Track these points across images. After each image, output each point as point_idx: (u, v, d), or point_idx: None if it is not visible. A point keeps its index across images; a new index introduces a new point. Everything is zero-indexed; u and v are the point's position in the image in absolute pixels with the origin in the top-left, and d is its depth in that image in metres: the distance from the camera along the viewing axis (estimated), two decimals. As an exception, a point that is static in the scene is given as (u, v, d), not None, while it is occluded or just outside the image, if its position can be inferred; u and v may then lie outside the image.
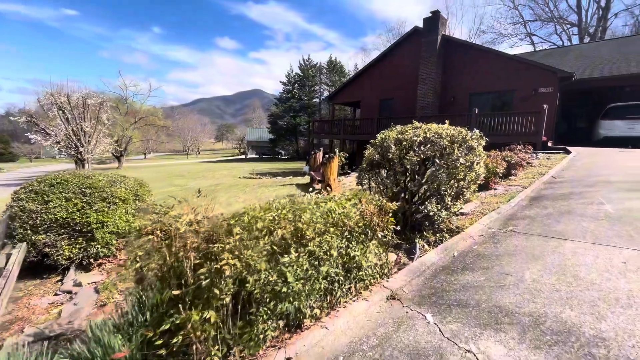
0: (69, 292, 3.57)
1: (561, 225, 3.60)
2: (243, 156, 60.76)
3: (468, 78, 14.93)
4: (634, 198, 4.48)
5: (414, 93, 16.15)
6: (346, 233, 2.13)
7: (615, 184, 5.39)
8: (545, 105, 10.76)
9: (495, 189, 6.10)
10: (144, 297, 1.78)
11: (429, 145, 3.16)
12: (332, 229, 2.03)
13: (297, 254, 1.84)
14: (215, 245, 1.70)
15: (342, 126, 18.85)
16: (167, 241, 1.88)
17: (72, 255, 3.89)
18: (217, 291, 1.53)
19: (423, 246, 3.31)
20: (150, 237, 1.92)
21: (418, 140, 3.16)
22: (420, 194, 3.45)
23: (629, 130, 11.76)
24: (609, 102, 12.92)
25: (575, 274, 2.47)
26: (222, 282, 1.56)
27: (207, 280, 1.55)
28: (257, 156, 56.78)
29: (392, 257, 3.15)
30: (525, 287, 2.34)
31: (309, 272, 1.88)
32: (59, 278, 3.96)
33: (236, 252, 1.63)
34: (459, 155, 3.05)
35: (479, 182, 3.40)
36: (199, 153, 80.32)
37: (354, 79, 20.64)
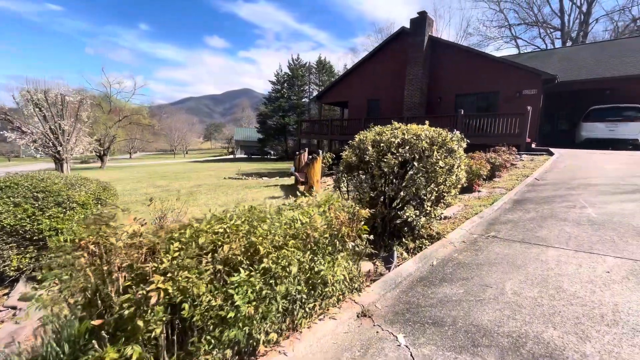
0: (14, 307, 3.22)
1: (544, 231, 3.48)
2: (231, 156, 59.98)
3: (454, 79, 14.97)
4: (615, 201, 4.42)
5: (401, 93, 16.10)
6: (311, 245, 1.90)
7: (597, 186, 5.36)
8: (529, 107, 10.83)
9: (479, 191, 6.01)
10: (64, 324, 1.51)
11: (407, 147, 2.97)
12: (291, 242, 1.80)
13: (248, 273, 1.60)
14: (147, 265, 1.44)
15: (330, 126, 18.65)
16: (98, 259, 1.61)
17: (21, 266, 3.54)
18: (141, 323, 1.28)
19: (401, 254, 3.12)
20: (80, 252, 1.65)
21: (396, 142, 2.96)
22: (399, 199, 3.26)
23: (610, 132, 11.97)
24: (591, 105, 13.15)
25: (558, 285, 2.31)
26: (150, 312, 1.31)
27: (131, 310, 1.30)
28: (245, 156, 56.09)
29: (369, 266, 2.95)
30: (506, 302, 2.16)
31: (264, 292, 1.65)
32: (6, 291, 3.60)
33: (169, 275, 1.38)
34: (438, 157, 2.87)
35: (460, 186, 3.23)
36: (187, 153, 78.89)
37: (341, 78, 20.49)
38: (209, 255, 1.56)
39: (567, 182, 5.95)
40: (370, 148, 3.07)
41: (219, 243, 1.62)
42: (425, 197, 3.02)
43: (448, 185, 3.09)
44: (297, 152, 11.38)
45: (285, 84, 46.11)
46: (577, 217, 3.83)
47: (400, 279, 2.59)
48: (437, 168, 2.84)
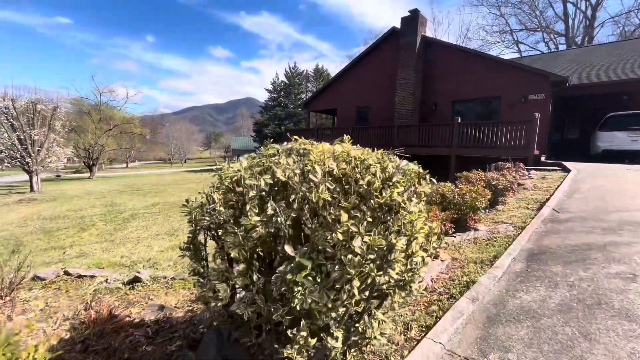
0: None
1: (597, 352, 1.73)
2: (227, 165, 58.61)
3: (451, 83, 13.33)
4: (700, 265, 2.66)
5: (393, 100, 14.48)
6: None
7: (651, 228, 3.60)
8: (537, 114, 9.12)
9: (475, 228, 4.27)
10: None
11: (291, 198, 1.28)
12: None
13: None
14: None
15: (316, 136, 17.01)
16: None
17: None
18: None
19: None
20: None
21: (260, 187, 1.28)
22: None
23: (633, 143, 10.17)
24: (605, 111, 11.41)
25: None
26: None
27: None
28: (241, 165, 54.66)
29: None
30: None
31: None
32: None
33: None
34: (354, 229, 1.16)
35: (416, 286, 1.50)
36: (185, 161, 77.45)
37: (329, 84, 18.93)
38: None
39: (600, 216, 4.20)
40: (216, 198, 1.39)
41: None
42: (328, 316, 1.30)
43: (385, 286, 1.38)
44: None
45: (282, 92, 45.03)
46: (651, 311, 2.08)
47: None
48: (350, 257, 1.14)
